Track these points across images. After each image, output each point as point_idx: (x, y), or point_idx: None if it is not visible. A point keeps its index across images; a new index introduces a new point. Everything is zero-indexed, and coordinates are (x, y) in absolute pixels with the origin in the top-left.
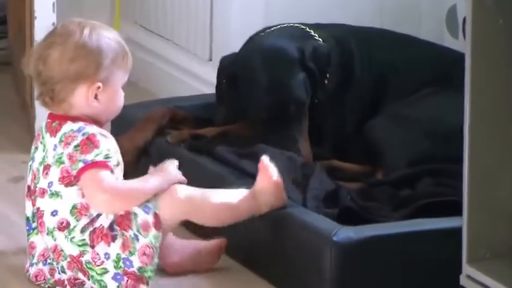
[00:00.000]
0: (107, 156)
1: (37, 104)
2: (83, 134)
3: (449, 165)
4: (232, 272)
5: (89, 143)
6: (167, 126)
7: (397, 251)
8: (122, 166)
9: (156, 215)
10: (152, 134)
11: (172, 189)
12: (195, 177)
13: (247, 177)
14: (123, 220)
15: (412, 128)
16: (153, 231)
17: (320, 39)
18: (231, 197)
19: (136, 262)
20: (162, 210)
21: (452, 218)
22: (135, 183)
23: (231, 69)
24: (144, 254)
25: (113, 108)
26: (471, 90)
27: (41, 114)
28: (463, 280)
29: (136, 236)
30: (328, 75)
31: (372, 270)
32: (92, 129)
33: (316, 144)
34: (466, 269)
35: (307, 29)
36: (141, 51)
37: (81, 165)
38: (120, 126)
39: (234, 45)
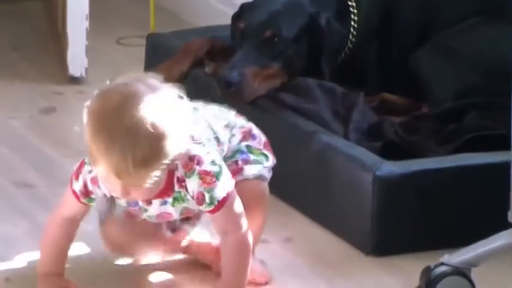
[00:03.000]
0: None
1: (69, 32)
2: None
3: (497, 98)
4: (271, 207)
5: None
6: (205, 57)
7: (441, 186)
8: None
9: None
10: (189, 65)
11: None
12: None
13: None
14: None
15: (458, 61)
16: None
17: None
18: None
19: None
20: None
21: (499, 153)
22: None
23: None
24: None
25: None
26: None
27: (74, 42)
28: (511, 216)
29: None
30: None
31: (415, 205)
32: None
33: (362, 79)
34: None
35: None
36: None
37: None
38: (155, 55)
39: None
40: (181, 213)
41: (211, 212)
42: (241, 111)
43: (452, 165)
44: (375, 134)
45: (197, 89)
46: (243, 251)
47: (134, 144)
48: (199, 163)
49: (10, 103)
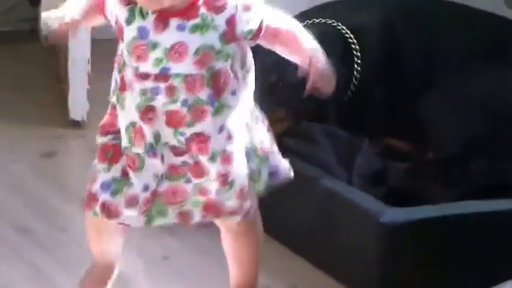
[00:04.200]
0: None
1: (71, 76)
2: None
3: (504, 145)
4: (275, 253)
5: None
6: None
7: (446, 233)
8: None
9: None
10: None
11: None
12: None
13: None
14: None
15: (465, 106)
16: None
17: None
18: None
19: None
20: None
21: (506, 200)
22: None
23: None
24: None
25: None
26: None
27: (76, 86)
28: None
29: None
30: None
31: (420, 253)
32: None
33: (367, 123)
34: None
35: (338, 25)
36: None
37: None
38: None
39: None
40: (196, 54)
41: (257, 34)
42: None
43: (457, 212)
44: (379, 180)
45: None
46: None
47: None
48: None
49: (10, 146)
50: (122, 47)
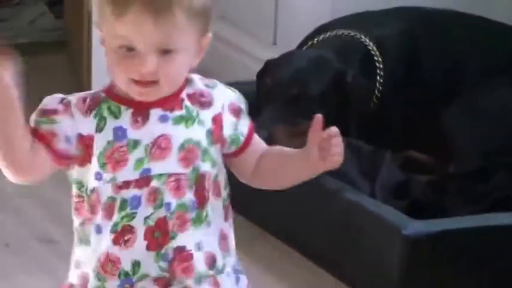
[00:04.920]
0: None
1: (94, 87)
2: None
3: None
4: (297, 266)
5: None
6: None
7: (468, 246)
8: None
9: None
10: None
11: None
12: None
13: None
14: None
15: (488, 120)
16: None
17: (371, 45)
18: None
19: None
20: None
21: None
22: None
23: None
24: None
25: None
26: None
27: None
28: None
29: None
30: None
31: (442, 265)
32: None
33: (389, 136)
34: None
35: (360, 37)
36: None
37: None
38: None
39: (299, 29)
40: (181, 149)
41: (249, 134)
42: None
43: (480, 224)
44: (401, 193)
45: None
46: None
47: None
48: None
49: None
50: (88, 173)
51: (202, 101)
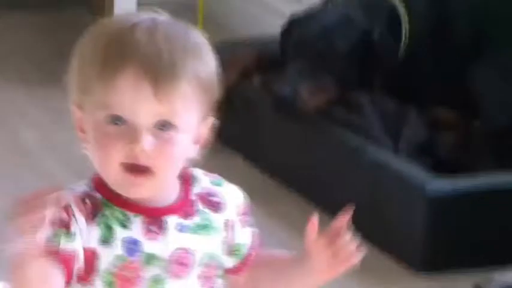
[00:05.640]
0: None
1: None
2: None
3: None
4: (322, 222)
5: None
6: (253, 69)
7: (493, 203)
8: None
9: None
10: (236, 77)
11: None
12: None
13: None
14: None
15: None
16: None
17: (397, 2)
18: None
19: None
20: None
21: None
22: None
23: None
24: None
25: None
26: None
27: None
28: None
29: None
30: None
31: (467, 222)
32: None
33: (414, 93)
34: None
35: None
36: None
37: None
38: None
39: None
40: (201, 264)
41: (255, 240)
42: (292, 126)
43: (505, 181)
44: (426, 150)
45: (245, 102)
46: None
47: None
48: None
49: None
50: None
51: (213, 202)
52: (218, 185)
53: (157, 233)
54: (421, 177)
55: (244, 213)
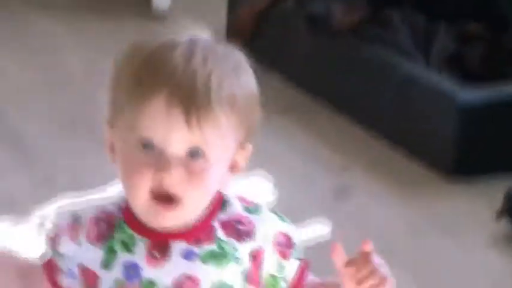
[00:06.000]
0: None
1: None
2: None
3: None
4: (352, 135)
5: None
6: None
7: None
8: None
9: None
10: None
11: None
12: None
13: None
14: None
15: None
16: None
17: None
18: None
19: None
20: None
21: None
22: None
23: None
24: None
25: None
26: None
27: None
28: None
29: None
30: None
31: (497, 131)
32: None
33: (443, 7)
34: None
35: None
36: None
37: None
38: None
39: None
40: None
41: (298, 280)
42: (325, 44)
43: None
44: (456, 63)
45: (280, 23)
46: None
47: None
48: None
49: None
50: None
51: (240, 230)
52: (253, 212)
53: (160, 259)
54: (451, 89)
55: (285, 245)
